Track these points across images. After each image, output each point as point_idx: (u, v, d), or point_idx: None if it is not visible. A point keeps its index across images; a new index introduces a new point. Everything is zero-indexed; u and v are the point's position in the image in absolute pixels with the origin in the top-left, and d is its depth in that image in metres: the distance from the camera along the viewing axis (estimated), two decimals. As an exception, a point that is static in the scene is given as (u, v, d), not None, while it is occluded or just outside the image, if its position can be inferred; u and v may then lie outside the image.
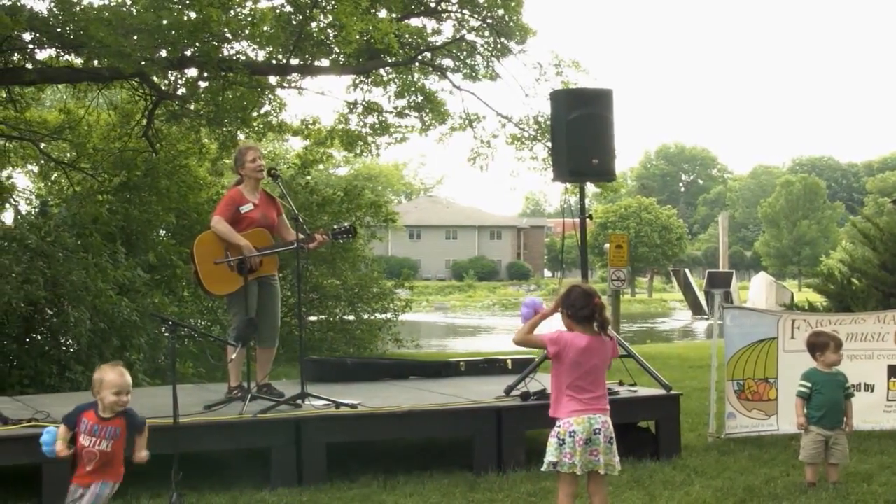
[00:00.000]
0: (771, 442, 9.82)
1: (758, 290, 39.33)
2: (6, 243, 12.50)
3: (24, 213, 16.37)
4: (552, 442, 6.25)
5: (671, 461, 8.97)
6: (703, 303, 43.47)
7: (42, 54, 16.59)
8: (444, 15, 19.70)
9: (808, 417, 8.16)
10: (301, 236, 8.98)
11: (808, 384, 8.20)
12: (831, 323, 10.01)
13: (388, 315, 20.90)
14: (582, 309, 6.22)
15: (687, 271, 53.10)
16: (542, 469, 6.32)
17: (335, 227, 9.54)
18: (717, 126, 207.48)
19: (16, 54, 15.96)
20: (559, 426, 6.23)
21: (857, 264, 14.86)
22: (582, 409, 6.18)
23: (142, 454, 6.23)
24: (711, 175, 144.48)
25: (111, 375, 6.07)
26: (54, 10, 14.40)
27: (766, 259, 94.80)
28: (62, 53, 16.39)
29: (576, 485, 6.27)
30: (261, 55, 17.44)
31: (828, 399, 8.15)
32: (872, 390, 10.21)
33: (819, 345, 8.30)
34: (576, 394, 6.20)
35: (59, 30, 14.64)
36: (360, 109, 20.49)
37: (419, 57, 19.68)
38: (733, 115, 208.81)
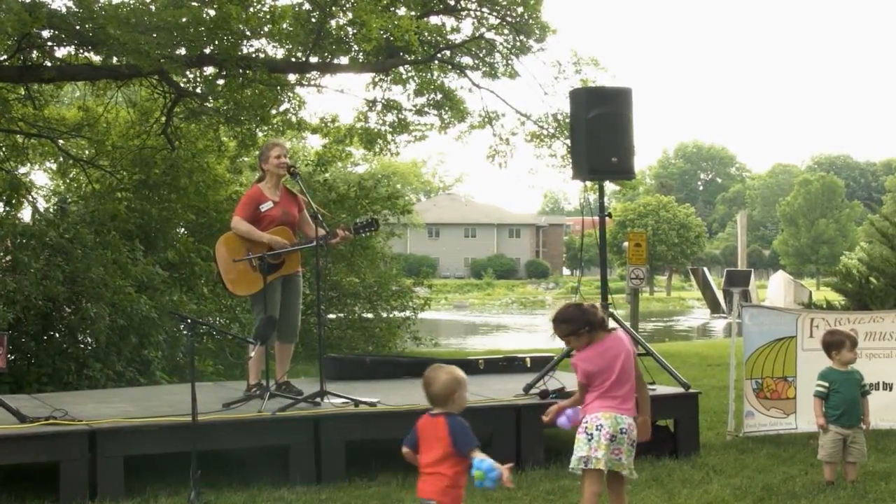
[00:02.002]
0: (789, 440, 9.81)
1: (776, 288, 39.16)
2: (24, 240, 12.53)
3: (42, 210, 16.38)
4: (581, 438, 6.22)
5: (690, 459, 8.96)
6: (722, 301, 43.31)
7: (61, 52, 16.62)
8: (464, 13, 19.64)
9: (827, 416, 8.16)
10: (322, 233, 8.98)
11: (826, 383, 8.21)
12: (850, 321, 10.02)
13: (407, 313, 20.90)
14: (596, 313, 6.24)
15: (705, 270, 52.80)
16: (571, 467, 6.27)
17: (357, 221, 9.53)
18: (736, 125, 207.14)
19: (35, 51, 15.99)
20: (587, 421, 6.22)
21: (875, 263, 14.81)
22: (611, 406, 6.19)
23: None
24: (730, 174, 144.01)
25: (460, 372, 5.61)
26: (73, 7, 14.45)
27: (785, 258, 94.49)
28: (81, 51, 16.39)
29: (601, 483, 6.25)
30: (280, 53, 17.46)
31: (845, 398, 8.16)
32: (891, 389, 10.22)
33: (835, 343, 8.31)
34: (605, 395, 6.23)
35: (77, 27, 14.67)
36: (379, 107, 20.48)
37: (438, 55, 19.65)
38: (752, 113, 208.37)
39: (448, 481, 5.38)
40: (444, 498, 5.38)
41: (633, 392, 6.30)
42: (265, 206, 9.11)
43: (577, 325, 6.23)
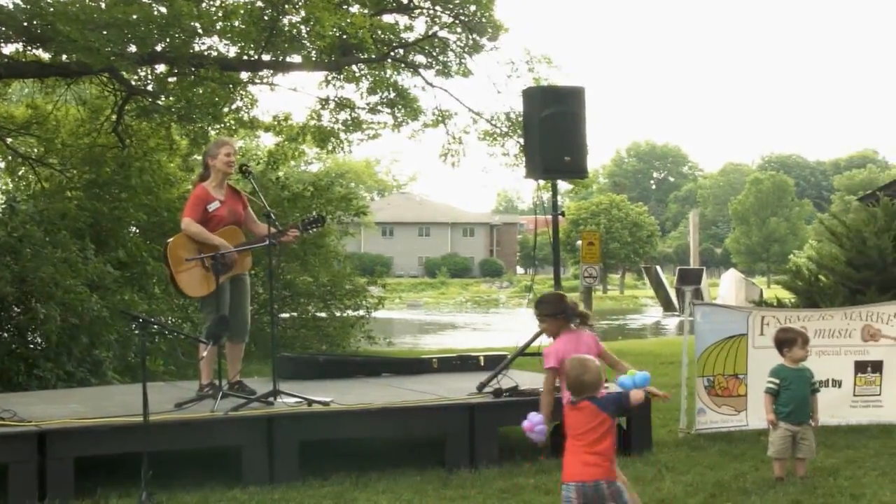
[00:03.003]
0: (740, 437, 9.89)
1: (728, 286, 39.47)
2: (-28, 239, 12.36)
3: (-11, 208, 16.18)
4: None
5: (642, 456, 9.01)
6: (674, 299, 43.65)
7: (8, 48, 16.42)
8: (417, 11, 19.61)
9: (777, 413, 8.23)
10: (273, 232, 8.94)
11: (777, 380, 8.29)
12: (800, 319, 10.12)
13: (361, 312, 20.85)
14: (575, 308, 6.71)
15: (658, 268, 53.27)
16: None
17: (304, 218, 9.49)
18: (688, 124, 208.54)
19: (-20, 49, 15.81)
20: None
21: (824, 261, 14.98)
22: None
23: None
24: (682, 173, 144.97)
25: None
26: (21, 3, 14.27)
27: (736, 256, 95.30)
28: (29, 48, 16.21)
29: None
30: (232, 51, 17.34)
31: (795, 395, 8.24)
32: (840, 386, 10.35)
33: (787, 341, 8.39)
34: None
35: (25, 24, 14.50)
36: (332, 106, 20.39)
37: (392, 53, 19.62)
38: (704, 113, 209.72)
39: (608, 461, 5.80)
40: (611, 475, 5.79)
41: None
42: (213, 206, 9.02)
43: (555, 308, 6.71)
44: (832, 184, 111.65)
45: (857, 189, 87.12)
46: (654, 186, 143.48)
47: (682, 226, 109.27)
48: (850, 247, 14.42)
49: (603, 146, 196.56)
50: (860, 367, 10.41)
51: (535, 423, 6.33)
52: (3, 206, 14.12)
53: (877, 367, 10.43)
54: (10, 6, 14.38)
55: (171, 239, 9.10)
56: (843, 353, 10.36)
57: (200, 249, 8.84)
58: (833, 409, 9.96)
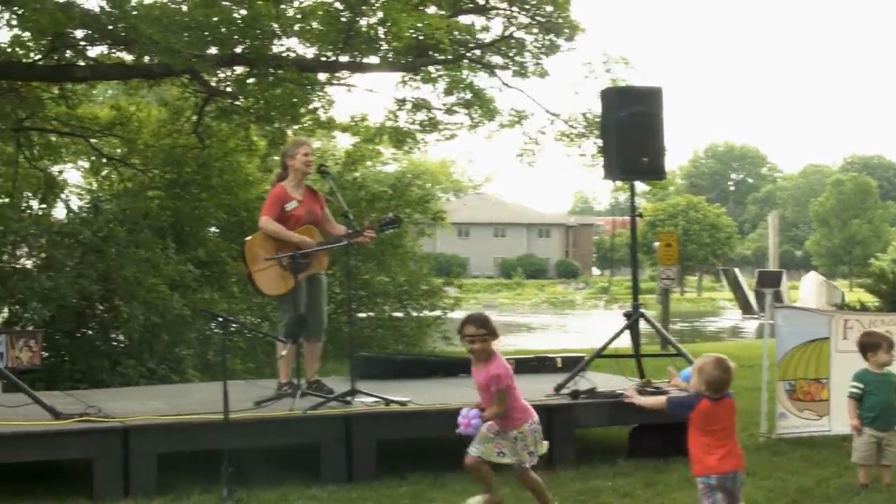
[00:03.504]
0: (823, 442, 9.73)
1: (808, 289, 38.95)
2: (60, 238, 12.61)
3: (75, 208, 16.48)
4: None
5: (722, 461, 8.89)
6: (753, 302, 43.15)
7: (93, 51, 16.71)
8: (493, 12, 19.58)
9: (861, 418, 8.09)
10: (350, 232, 8.99)
11: (861, 385, 8.15)
12: (884, 323, 9.91)
13: (437, 312, 20.88)
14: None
15: (737, 270, 52.67)
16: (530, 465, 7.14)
17: (380, 218, 9.53)
18: (767, 125, 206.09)
19: (68, 51, 16.10)
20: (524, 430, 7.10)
21: (910, 264, 14.71)
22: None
23: None
24: (761, 174, 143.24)
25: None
26: (106, 7, 14.53)
27: (817, 258, 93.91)
28: (113, 50, 16.50)
29: None
30: (310, 52, 17.48)
31: (880, 400, 8.09)
32: (927, 392, 10.09)
33: (871, 345, 8.24)
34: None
35: (110, 27, 14.77)
36: (408, 106, 20.44)
37: (468, 54, 19.62)
38: (783, 113, 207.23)
39: (740, 451, 6.20)
40: (742, 466, 6.22)
41: None
42: (290, 206, 9.10)
43: (493, 327, 6.99)
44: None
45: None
46: (732, 188, 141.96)
47: (761, 228, 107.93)
48: (936, 250, 14.16)
49: (680, 147, 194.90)
50: (948, 373, 10.18)
51: (470, 417, 6.86)
52: (88, 206, 14.37)
53: (965, 373, 10.19)
54: (96, 10, 14.66)
55: (248, 238, 9.20)
56: (929, 359, 10.14)
57: (278, 248, 8.91)
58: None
